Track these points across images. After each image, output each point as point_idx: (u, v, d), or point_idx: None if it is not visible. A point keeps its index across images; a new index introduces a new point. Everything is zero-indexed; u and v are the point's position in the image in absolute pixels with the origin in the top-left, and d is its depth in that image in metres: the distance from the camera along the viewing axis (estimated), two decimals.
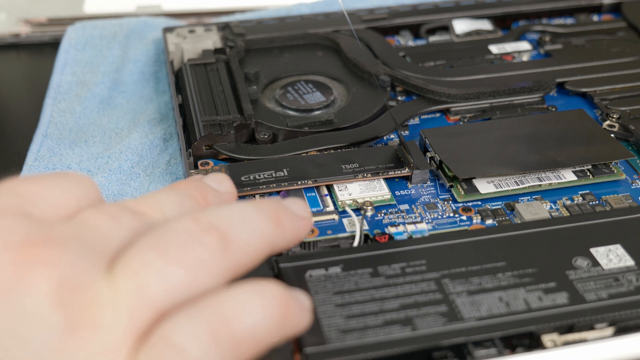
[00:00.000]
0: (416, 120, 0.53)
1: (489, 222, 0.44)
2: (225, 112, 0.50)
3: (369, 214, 0.44)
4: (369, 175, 0.46)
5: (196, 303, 0.28)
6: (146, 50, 0.62)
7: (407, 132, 0.52)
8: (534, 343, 0.36)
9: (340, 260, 0.39)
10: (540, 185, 0.46)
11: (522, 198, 0.45)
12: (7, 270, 0.26)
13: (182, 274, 0.28)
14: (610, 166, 0.47)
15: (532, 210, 0.44)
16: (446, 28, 0.63)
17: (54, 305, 0.26)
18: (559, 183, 0.46)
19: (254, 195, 0.45)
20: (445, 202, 0.45)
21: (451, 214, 0.44)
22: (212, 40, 0.58)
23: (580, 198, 0.45)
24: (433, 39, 0.62)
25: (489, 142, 0.48)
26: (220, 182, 0.35)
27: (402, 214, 0.44)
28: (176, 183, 0.34)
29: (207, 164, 0.47)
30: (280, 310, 0.29)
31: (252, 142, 0.50)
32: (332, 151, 0.48)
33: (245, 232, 0.30)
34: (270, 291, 0.29)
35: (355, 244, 0.41)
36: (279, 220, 0.32)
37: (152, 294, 0.27)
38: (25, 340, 0.25)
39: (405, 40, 0.62)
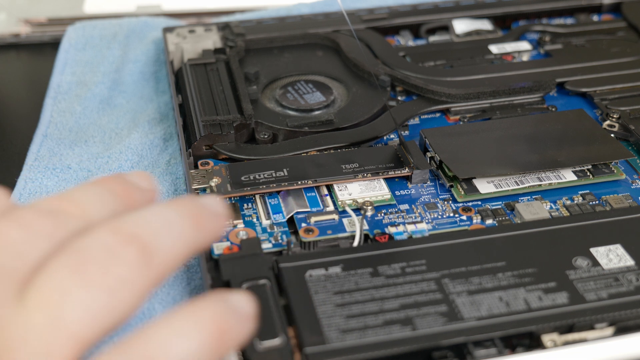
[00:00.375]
0: (416, 120, 0.53)
1: (489, 222, 0.44)
2: (225, 112, 0.50)
3: (369, 213, 0.44)
4: (369, 175, 0.46)
5: (123, 343, 0.26)
6: (146, 50, 0.62)
7: (407, 132, 0.52)
8: (534, 343, 0.36)
9: (340, 260, 0.39)
10: (540, 185, 0.46)
11: (522, 198, 0.45)
12: None
13: (102, 297, 0.25)
14: (610, 166, 0.47)
15: (532, 210, 0.44)
16: (446, 28, 0.63)
17: None
18: (559, 183, 0.46)
19: (253, 196, 0.45)
20: (445, 202, 0.45)
21: (451, 214, 0.44)
22: (212, 40, 0.58)
23: (580, 198, 0.45)
24: (433, 39, 0.62)
25: (489, 142, 0.48)
26: (142, 178, 0.32)
27: (402, 214, 0.44)
28: (98, 178, 0.31)
29: (207, 163, 0.47)
30: (215, 333, 0.26)
31: (252, 142, 0.50)
32: (332, 151, 0.48)
33: (167, 239, 0.28)
34: (202, 316, 0.27)
35: (355, 243, 0.41)
36: (200, 221, 0.29)
37: (71, 325, 0.24)
38: None
39: (405, 40, 0.62)
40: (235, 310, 0.28)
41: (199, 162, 0.47)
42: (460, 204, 0.45)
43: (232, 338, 0.27)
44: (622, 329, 0.36)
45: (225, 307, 0.28)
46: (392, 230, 0.43)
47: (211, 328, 0.26)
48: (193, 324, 0.26)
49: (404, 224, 0.43)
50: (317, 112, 0.52)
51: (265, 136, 0.49)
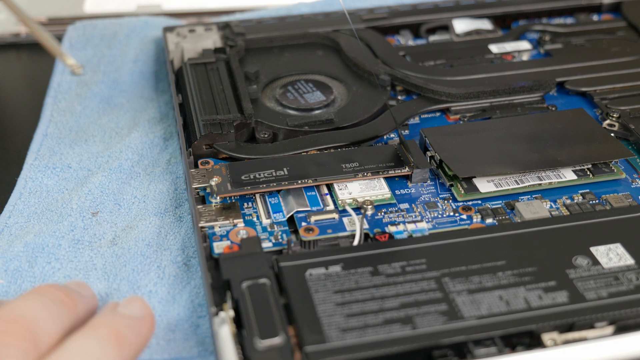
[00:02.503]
0: (416, 120, 0.53)
1: (489, 221, 0.44)
2: (226, 111, 0.50)
3: (369, 212, 0.44)
4: (369, 174, 0.46)
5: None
6: (146, 50, 0.62)
7: (407, 131, 0.52)
8: (534, 342, 0.36)
9: (341, 259, 0.39)
10: (540, 184, 0.46)
11: (522, 197, 0.45)
12: None
13: None
14: (610, 165, 0.47)
15: (532, 209, 0.44)
16: (446, 27, 0.63)
17: None
18: (559, 182, 0.46)
19: (253, 195, 0.45)
20: (446, 201, 0.45)
21: (451, 213, 0.44)
22: (212, 40, 0.58)
23: (580, 197, 0.45)
24: (433, 38, 0.62)
25: (489, 141, 0.48)
26: (82, 287, 0.37)
27: (402, 213, 0.44)
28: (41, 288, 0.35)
29: (207, 163, 0.47)
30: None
31: (252, 141, 0.50)
32: (332, 150, 0.48)
33: (47, 323, 0.32)
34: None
35: (356, 242, 0.41)
36: (120, 337, 0.33)
37: None
38: None
39: (405, 39, 0.62)
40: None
41: (199, 162, 0.47)
42: (461, 203, 0.45)
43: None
44: (622, 328, 0.36)
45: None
46: (392, 229, 0.43)
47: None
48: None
49: (404, 223, 0.43)
50: (317, 112, 0.52)
51: (266, 135, 0.49)
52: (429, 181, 0.47)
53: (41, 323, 0.32)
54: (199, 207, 0.44)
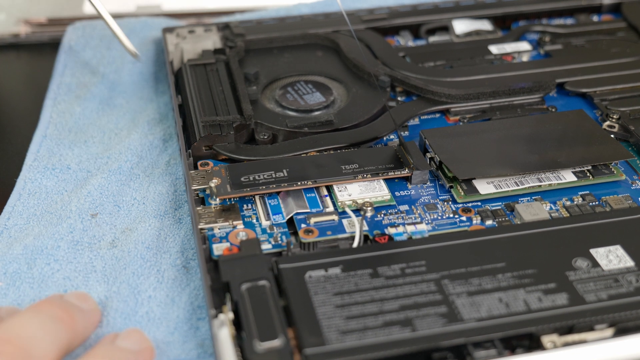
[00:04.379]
0: (416, 121, 0.53)
1: (489, 222, 0.44)
2: (225, 112, 0.50)
3: (368, 214, 0.44)
4: (369, 175, 0.46)
5: None
6: (146, 51, 0.62)
7: (407, 133, 0.52)
8: (533, 344, 0.36)
9: (340, 261, 0.39)
10: (540, 186, 0.46)
11: (522, 199, 0.45)
12: None
13: None
14: (610, 167, 0.47)
15: (532, 211, 0.44)
16: (446, 28, 0.63)
17: None
18: (558, 184, 0.46)
19: (253, 197, 0.45)
20: (445, 203, 0.45)
21: (451, 215, 0.44)
22: (212, 41, 0.58)
23: (580, 199, 0.45)
24: (433, 39, 0.62)
25: (488, 143, 0.48)
26: (82, 299, 0.38)
27: (402, 215, 0.44)
28: (40, 304, 0.35)
29: (207, 164, 0.47)
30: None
31: (252, 142, 0.50)
32: (331, 152, 0.48)
33: (42, 343, 0.32)
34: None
35: (355, 244, 0.41)
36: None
37: None
38: None
39: (405, 40, 0.62)
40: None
41: (199, 163, 0.47)
42: (460, 205, 0.45)
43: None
44: (621, 330, 0.36)
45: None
46: (391, 231, 0.43)
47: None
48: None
49: (403, 224, 0.43)
50: (316, 113, 0.52)
51: (265, 137, 0.49)
52: (428, 183, 0.47)
53: (37, 343, 0.32)
54: (198, 208, 0.44)
